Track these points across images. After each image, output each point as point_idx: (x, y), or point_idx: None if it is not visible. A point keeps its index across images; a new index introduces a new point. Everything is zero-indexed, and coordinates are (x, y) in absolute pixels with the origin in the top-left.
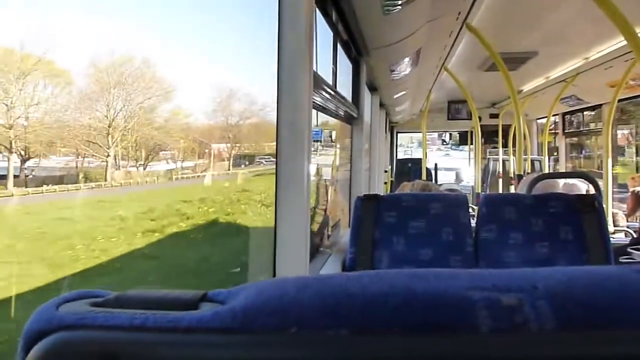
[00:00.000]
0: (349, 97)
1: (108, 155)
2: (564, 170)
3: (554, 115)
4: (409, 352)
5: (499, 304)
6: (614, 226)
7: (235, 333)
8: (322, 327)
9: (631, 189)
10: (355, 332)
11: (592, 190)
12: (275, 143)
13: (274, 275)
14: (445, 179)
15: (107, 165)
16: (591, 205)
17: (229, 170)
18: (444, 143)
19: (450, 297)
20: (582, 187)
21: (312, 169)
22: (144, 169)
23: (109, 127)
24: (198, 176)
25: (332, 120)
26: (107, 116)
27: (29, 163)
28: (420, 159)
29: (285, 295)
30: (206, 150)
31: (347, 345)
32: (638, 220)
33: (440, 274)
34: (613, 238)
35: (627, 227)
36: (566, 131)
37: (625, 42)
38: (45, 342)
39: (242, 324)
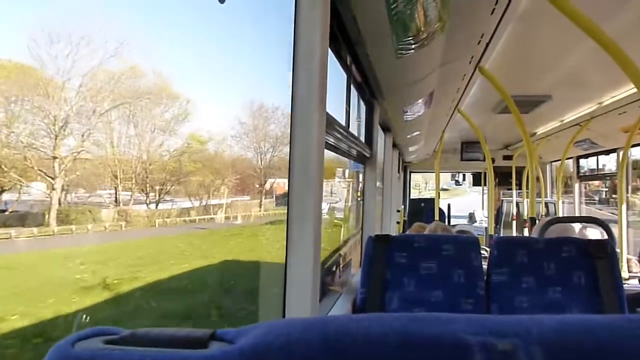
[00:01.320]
0: (362, 137)
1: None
2: (578, 214)
3: (568, 159)
4: None
5: (494, 349)
6: (629, 272)
7: None
8: None
9: None
10: None
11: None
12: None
13: (284, 313)
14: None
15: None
16: (604, 251)
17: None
18: (457, 184)
19: (446, 340)
20: (600, 234)
21: (325, 207)
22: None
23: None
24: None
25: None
26: None
27: None
28: (433, 199)
29: (291, 336)
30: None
31: None
32: None
33: (438, 318)
34: (627, 284)
35: None
36: (580, 174)
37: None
38: None
39: None
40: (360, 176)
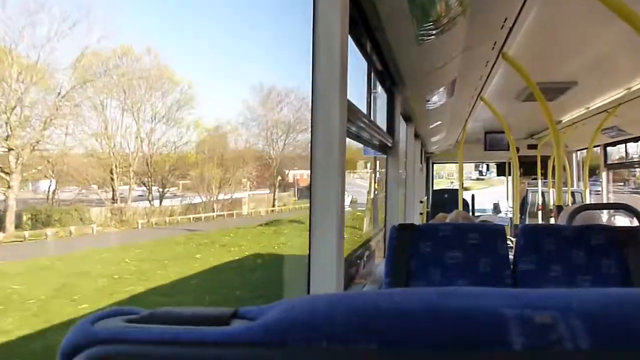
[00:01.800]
0: (384, 127)
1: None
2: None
3: (595, 147)
4: None
5: (532, 322)
6: None
7: (266, 347)
8: (352, 341)
9: None
10: (385, 346)
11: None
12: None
13: None
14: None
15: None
16: (635, 238)
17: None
18: (481, 175)
19: (481, 313)
20: (628, 220)
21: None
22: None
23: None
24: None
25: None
26: None
27: None
28: (457, 190)
29: (315, 311)
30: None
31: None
32: None
33: (471, 292)
34: None
35: None
36: (608, 163)
37: None
38: (81, 356)
39: (273, 338)
40: (377, 166)
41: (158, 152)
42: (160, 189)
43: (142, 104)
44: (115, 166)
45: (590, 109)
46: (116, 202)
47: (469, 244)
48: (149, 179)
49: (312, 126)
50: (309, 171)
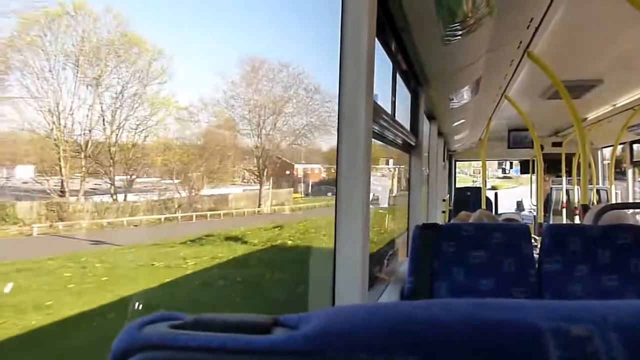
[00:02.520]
0: (407, 126)
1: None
2: (632, 201)
3: (621, 144)
4: None
5: (569, 334)
6: None
7: (307, 356)
8: (391, 353)
9: None
10: (424, 358)
11: None
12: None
13: (333, 301)
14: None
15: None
16: None
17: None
18: (504, 172)
19: (518, 325)
20: None
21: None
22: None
23: None
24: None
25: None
26: None
27: None
28: (479, 188)
29: (355, 321)
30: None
31: None
32: None
33: (507, 304)
34: None
35: None
36: (634, 160)
37: None
38: None
39: (314, 348)
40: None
41: (128, 135)
42: (126, 178)
43: (103, 74)
44: (64, 150)
45: (617, 106)
46: (64, 195)
47: (493, 243)
48: (110, 168)
49: (338, 125)
50: (319, 165)
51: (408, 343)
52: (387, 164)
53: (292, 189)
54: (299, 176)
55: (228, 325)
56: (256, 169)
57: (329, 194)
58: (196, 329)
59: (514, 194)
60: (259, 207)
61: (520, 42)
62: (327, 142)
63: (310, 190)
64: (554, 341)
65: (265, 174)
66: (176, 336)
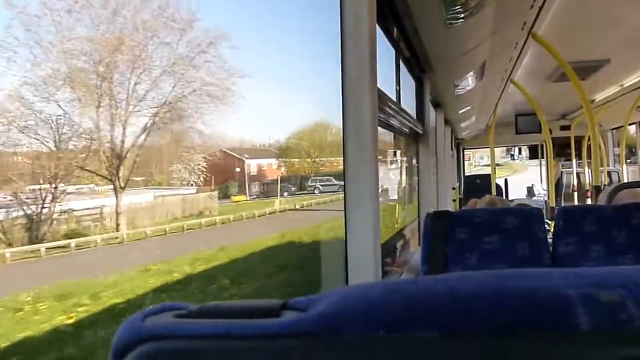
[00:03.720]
0: (414, 114)
1: None
2: None
3: (630, 124)
4: (504, 353)
5: (598, 301)
6: None
7: (320, 338)
8: (411, 328)
9: None
10: (446, 333)
11: None
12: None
13: None
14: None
15: None
16: None
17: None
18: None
19: (544, 294)
20: None
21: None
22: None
23: None
24: None
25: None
26: None
27: None
28: (489, 175)
29: (371, 299)
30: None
31: (438, 347)
32: None
33: (531, 273)
34: None
35: None
36: None
37: None
38: (135, 353)
39: (327, 328)
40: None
41: None
42: None
43: None
44: None
45: (625, 86)
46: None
47: (506, 228)
48: None
49: (343, 115)
50: (273, 160)
51: (429, 318)
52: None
53: (214, 192)
54: (252, 174)
55: (234, 311)
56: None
57: (285, 193)
58: (201, 317)
59: (512, 180)
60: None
61: (525, 23)
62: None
63: (263, 190)
64: (583, 308)
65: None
66: (181, 325)
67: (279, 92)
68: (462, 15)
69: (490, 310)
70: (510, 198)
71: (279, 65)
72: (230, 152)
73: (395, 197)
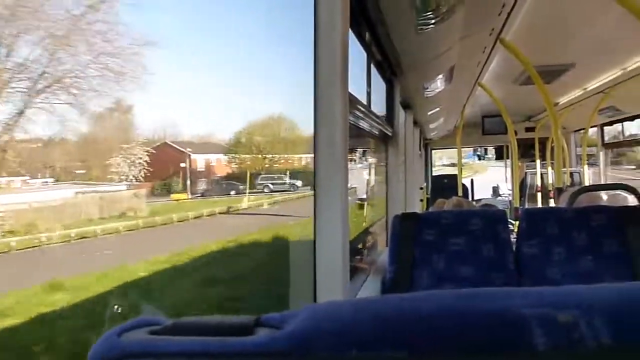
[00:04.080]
0: (383, 116)
1: None
2: (604, 182)
3: (592, 127)
4: None
5: (554, 321)
6: None
7: (292, 357)
8: (380, 348)
9: None
10: (413, 353)
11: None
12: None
13: (315, 295)
14: (482, 193)
15: None
16: (636, 218)
17: None
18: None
19: (505, 315)
20: (630, 199)
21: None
22: None
23: None
24: None
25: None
26: None
27: None
28: (456, 175)
29: (342, 318)
30: None
31: None
32: None
33: (492, 293)
34: None
35: None
36: (605, 142)
37: None
38: None
39: (299, 347)
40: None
41: None
42: None
43: None
44: None
45: (588, 89)
46: None
47: (471, 230)
48: None
49: (314, 118)
50: (222, 155)
51: (397, 339)
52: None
53: (142, 189)
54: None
55: (208, 328)
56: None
57: (232, 192)
58: (176, 333)
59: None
60: None
61: (493, 29)
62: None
63: (205, 188)
64: (539, 329)
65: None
66: (155, 342)
67: (233, 82)
68: (433, 21)
69: (455, 330)
70: (476, 198)
71: (238, 53)
72: (176, 145)
73: (364, 196)
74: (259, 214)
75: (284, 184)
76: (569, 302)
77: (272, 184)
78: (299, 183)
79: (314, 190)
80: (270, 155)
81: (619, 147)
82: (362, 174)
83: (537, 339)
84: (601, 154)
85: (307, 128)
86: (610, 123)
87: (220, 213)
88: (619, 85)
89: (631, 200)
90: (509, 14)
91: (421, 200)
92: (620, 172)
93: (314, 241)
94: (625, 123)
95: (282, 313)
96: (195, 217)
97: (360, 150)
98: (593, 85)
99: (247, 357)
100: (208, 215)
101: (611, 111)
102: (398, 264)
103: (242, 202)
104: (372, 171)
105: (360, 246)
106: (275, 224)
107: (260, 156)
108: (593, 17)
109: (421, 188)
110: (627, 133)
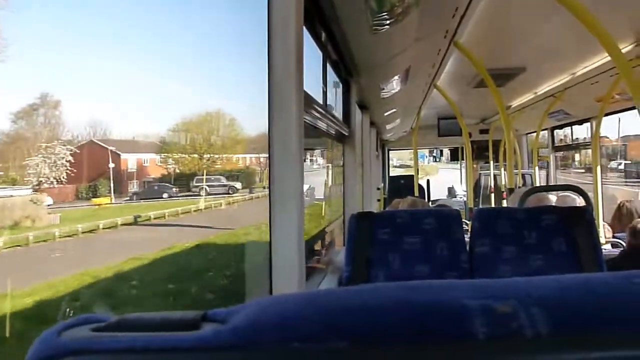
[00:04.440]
0: (340, 116)
1: None
2: (553, 184)
3: (543, 130)
4: None
5: (494, 312)
6: (605, 238)
7: (237, 350)
8: (323, 340)
9: (619, 202)
10: (356, 343)
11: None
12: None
13: (271, 293)
14: (436, 195)
15: None
16: (582, 218)
17: None
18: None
19: (445, 306)
20: (576, 200)
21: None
22: None
23: None
24: None
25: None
26: None
27: None
28: (412, 176)
29: (286, 311)
30: None
31: (348, 357)
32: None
33: (434, 285)
34: (604, 250)
35: (617, 239)
36: (555, 145)
37: (610, 58)
38: None
39: (243, 341)
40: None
41: None
42: None
43: None
44: None
45: (538, 93)
46: None
47: (426, 229)
48: None
49: (268, 117)
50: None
51: (340, 329)
52: (323, 155)
53: (43, 194)
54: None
55: (154, 324)
56: None
57: (165, 194)
58: (120, 330)
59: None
60: None
61: (447, 32)
62: None
63: (135, 191)
64: (480, 319)
65: None
66: (98, 339)
67: (170, 74)
68: (388, 22)
69: (397, 321)
70: (432, 198)
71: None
72: (103, 144)
73: (322, 196)
74: (182, 226)
75: (223, 185)
76: (507, 293)
77: (210, 186)
78: (238, 185)
79: (269, 189)
80: (208, 155)
81: (567, 150)
82: (320, 174)
83: (477, 328)
84: (551, 157)
85: (250, 125)
86: (561, 127)
87: (133, 224)
88: (567, 89)
89: (579, 202)
90: (462, 17)
91: (378, 200)
92: (569, 176)
93: (270, 241)
94: (574, 127)
95: (229, 308)
96: (108, 228)
97: (318, 150)
98: (543, 89)
99: (190, 352)
100: (125, 225)
101: (561, 115)
102: (354, 263)
103: (171, 208)
104: (330, 171)
105: (317, 246)
106: (206, 237)
107: (196, 156)
108: (542, 22)
109: (378, 188)
110: (576, 137)
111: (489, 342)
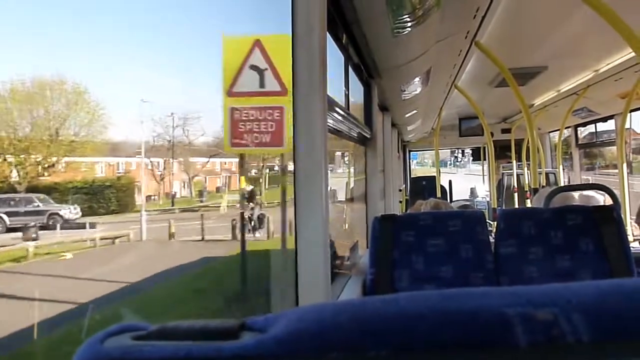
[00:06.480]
0: (362, 119)
1: None
2: (578, 182)
3: (566, 128)
4: None
5: (534, 319)
6: (633, 236)
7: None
8: (362, 349)
9: None
10: (395, 352)
11: (609, 201)
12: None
13: (297, 298)
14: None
15: None
16: (610, 217)
17: None
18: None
19: (485, 314)
20: (599, 198)
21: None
22: None
23: None
24: None
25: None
26: None
27: None
28: (434, 177)
29: (323, 320)
30: None
31: None
32: None
33: (473, 293)
34: (633, 248)
35: None
36: (579, 143)
37: (633, 54)
38: None
39: (285, 351)
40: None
41: None
42: None
43: None
44: None
45: (561, 91)
46: None
47: (450, 231)
48: None
49: (294, 122)
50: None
51: (379, 338)
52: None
53: None
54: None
55: (194, 332)
56: None
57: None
58: (161, 338)
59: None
60: None
61: (468, 32)
62: None
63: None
64: (520, 327)
65: None
66: (140, 348)
67: None
68: (409, 25)
69: (436, 329)
70: (454, 199)
71: None
72: None
73: (344, 198)
74: None
75: (40, 211)
76: (547, 300)
77: (11, 212)
78: (72, 209)
79: (295, 194)
80: (20, 156)
81: (592, 148)
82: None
83: (518, 336)
84: (576, 155)
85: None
86: (584, 124)
87: None
88: (591, 87)
89: (603, 200)
90: (483, 18)
91: (400, 202)
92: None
93: (295, 245)
94: (598, 124)
95: (266, 316)
96: None
97: (339, 152)
98: (566, 87)
99: None
100: None
101: (584, 112)
102: (378, 266)
103: None
104: (352, 174)
105: (341, 249)
106: None
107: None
108: (564, 20)
109: (400, 190)
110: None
111: (530, 349)
